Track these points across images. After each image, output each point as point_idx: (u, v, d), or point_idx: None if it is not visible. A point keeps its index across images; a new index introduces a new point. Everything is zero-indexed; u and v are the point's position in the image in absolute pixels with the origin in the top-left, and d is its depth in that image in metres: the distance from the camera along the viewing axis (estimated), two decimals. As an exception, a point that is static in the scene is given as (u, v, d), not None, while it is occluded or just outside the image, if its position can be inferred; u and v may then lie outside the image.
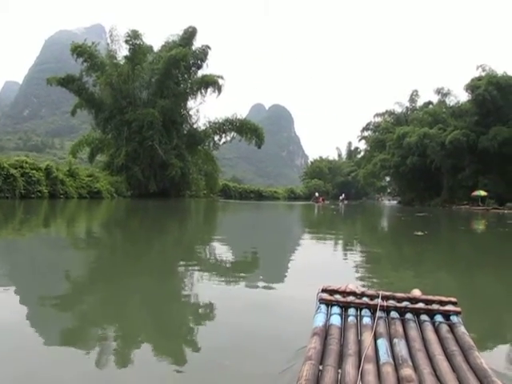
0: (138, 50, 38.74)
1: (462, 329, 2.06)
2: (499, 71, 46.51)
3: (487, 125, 44.67)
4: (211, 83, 42.13)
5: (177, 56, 37.42)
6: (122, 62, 39.39)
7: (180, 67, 38.99)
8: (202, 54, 43.11)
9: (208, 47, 43.39)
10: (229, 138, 46.24)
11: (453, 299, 2.28)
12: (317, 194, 57.65)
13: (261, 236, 10.58)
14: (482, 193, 43.24)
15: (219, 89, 42.24)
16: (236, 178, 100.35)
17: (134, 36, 38.31)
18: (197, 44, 43.20)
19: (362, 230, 14.71)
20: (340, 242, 10.00)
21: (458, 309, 2.22)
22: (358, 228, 15.86)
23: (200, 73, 43.40)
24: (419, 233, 11.21)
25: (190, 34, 42.61)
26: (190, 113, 44.88)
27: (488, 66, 47.86)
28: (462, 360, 1.78)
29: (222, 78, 42.57)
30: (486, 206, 41.98)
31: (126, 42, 38.41)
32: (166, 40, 42.96)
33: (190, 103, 44.43)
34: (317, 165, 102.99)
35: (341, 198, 61.04)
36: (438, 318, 2.16)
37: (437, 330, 2.06)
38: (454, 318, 2.15)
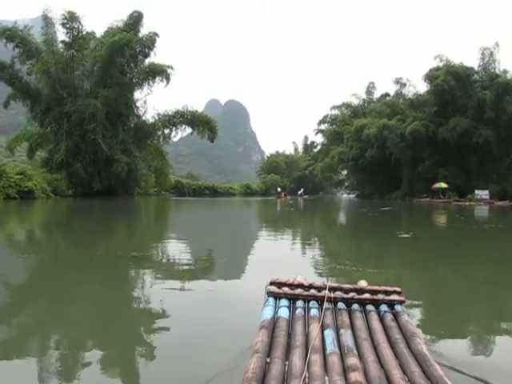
0: (78, 34, 37.37)
1: (405, 317, 2.24)
2: (456, 62, 48.82)
3: (446, 115, 46.71)
4: (159, 72, 41.45)
5: (120, 42, 36.31)
6: (61, 50, 37.96)
7: (125, 54, 37.97)
8: (150, 41, 42.25)
9: (156, 34, 42.60)
10: (180, 132, 45.82)
11: (397, 289, 2.47)
12: (279, 189, 58.73)
13: (215, 236, 10.63)
14: (443, 185, 45.07)
15: (167, 78, 41.70)
16: (192, 174, 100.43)
17: (70, 18, 36.60)
18: (144, 31, 42.36)
19: (338, 232, 12.98)
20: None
21: (402, 298, 2.41)
22: (333, 229, 14.02)
23: (147, 62, 42.73)
24: (404, 235, 9.62)
25: (135, 20, 41.55)
26: (137, 104, 43.91)
27: (445, 57, 50.15)
28: (405, 347, 1.95)
29: (171, 67, 42.04)
30: (446, 198, 43.95)
31: (63, 25, 36.84)
32: (109, 26, 41.67)
33: (137, 94, 43.48)
34: (273, 159, 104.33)
35: (299, 192, 62.62)
36: (383, 307, 2.34)
37: (382, 319, 2.23)
38: (398, 307, 2.34)
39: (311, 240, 10.00)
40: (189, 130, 45.61)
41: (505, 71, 48.47)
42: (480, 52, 49.25)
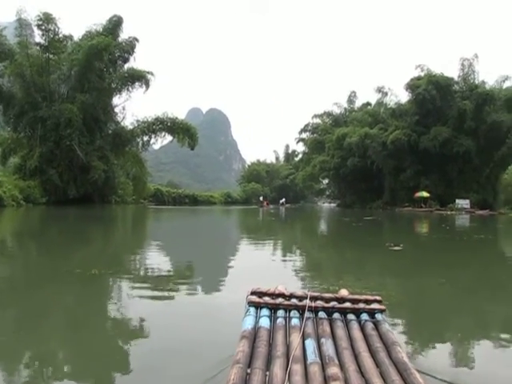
0: (54, 37, 36.99)
1: (385, 326, 2.28)
2: (437, 72, 49.89)
3: (428, 125, 47.62)
4: (138, 78, 41.36)
5: (99, 46, 36.02)
6: (36, 52, 37.45)
7: (103, 58, 37.69)
8: (129, 46, 42.13)
9: (136, 39, 42.52)
10: (160, 139, 45.65)
11: (378, 298, 2.52)
12: (261, 198, 59.17)
13: (194, 247, 10.57)
14: (425, 194, 45.81)
15: (147, 84, 41.70)
16: (172, 182, 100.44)
17: (46, 20, 36.11)
18: (123, 36, 42.26)
19: (325, 243, 12.49)
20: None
21: (383, 307, 2.46)
22: (319, 240, 13.50)
23: (127, 67, 42.59)
24: (395, 247, 9.15)
25: (114, 24, 41.37)
26: (116, 110, 43.72)
27: (426, 66, 51.18)
28: (385, 355, 1.99)
29: (151, 73, 42.03)
30: (428, 207, 44.65)
31: (38, 26, 36.40)
32: (87, 29, 41.31)
33: (116, 100, 43.30)
34: (254, 168, 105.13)
35: (281, 201, 63.63)
36: (364, 316, 2.38)
37: (362, 328, 2.27)
38: (378, 316, 2.38)
39: (297, 251, 9.91)
40: (169, 137, 45.59)
41: (483, 82, 49.80)
42: (460, 63, 50.52)
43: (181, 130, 43.91)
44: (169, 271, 6.45)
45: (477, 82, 49.76)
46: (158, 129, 44.23)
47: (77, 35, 41.56)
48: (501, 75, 49.71)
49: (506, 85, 49.06)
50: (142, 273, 6.33)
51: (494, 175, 49.65)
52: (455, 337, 3.50)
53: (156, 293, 4.67)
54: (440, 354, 2.93)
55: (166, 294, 4.61)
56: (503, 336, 3.43)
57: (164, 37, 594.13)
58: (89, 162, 36.40)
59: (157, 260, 7.43)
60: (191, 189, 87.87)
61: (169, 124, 43.88)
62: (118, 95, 42.76)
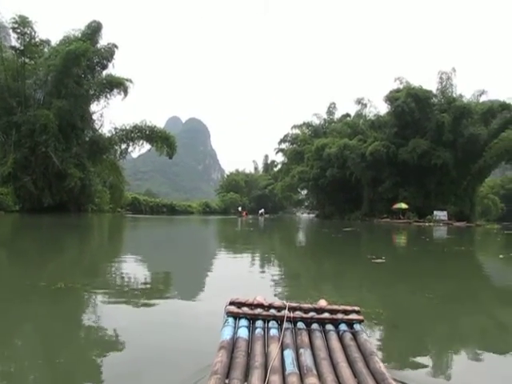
0: (30, 41, 36.52)
1: (363, 336, 2.31)
2: (415, 84, 51.03)
3: (406, 137, 48.52)
4: (117, 85, 41.10)
5: (77, 51, 35.64)
6: (12, 56, 36.89)
7: (81, 64, 37.31)
8: (108, 52, 41.87)
9: (115, 46, 42.31)
10: (138, 147, 45.27)
11: (356, 308, 2.55)
12: (240, 209, 59.28)
13: (171, 257, 10.47)
14: (404, 205, 46.51)
15: (125, 91, 41.46)
16: (150, 191, 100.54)
17: (22, 23, 35.53)
18: (103, 42, 42.05)
19: (307, 255, 12.14)
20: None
21: (361, 317, 2.48)
22: (299, 252, 13.29)
23: (105, 73, 42.29)
24: (377, 260, 9.01)
25: (93, 30, 41.13)
26: (94, 117, 43.30)
27: (405, 79, 52.34)
28: (363, 365, 2.01)
29: (130, 81, 41.87)
30: (406, 219, 45.31)
31: (13, 29, 35.83)
32: (65, 34, 40.86)
33: (94, 106, 42.94)
34: (233, 178, 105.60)
35: (260, 212, 64.32)
36: (342, 326, 2.40)
37: (341, 339, 2.29)
38: (356, 326, 2.41)
39: (277, 262, 9.83)
40: (148, 146, 45.25)
41: (461, 96, 51.09)
42: (438, 76, 51.78)
43: (159, 139, 43.73)
44: (144, 283, 6.25)
45: (454, 95, 51.07)
46: (136, 137, 43.89)
47: (54, 40, 41.24)
48: (477, 89, 51.26)
49: (483, 99, 50.62)
50: (115, 285, 5.98)
51: (471, 187, 50.82)
52: (434, 347, 3.56)
53: (129, 307, 4.52)
54: (418, 364, 2.97)
55: (140, 306, 4.49)
56: (479, 347, 3.50)
57: (144, 46, 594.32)
58: (65, 170, 35.82)
59: (131, 271, 7.12)
60: (169, 198, 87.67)
61: (147, 132, 43.62)
62: (96, 102, 42.45)
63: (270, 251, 12.91)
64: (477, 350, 3.44)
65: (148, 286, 6.02)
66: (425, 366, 2.95)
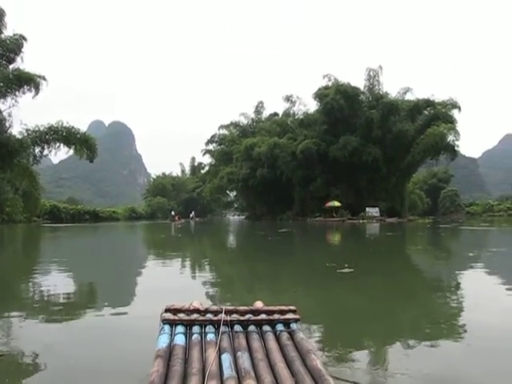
0: None
1: (300, 335, 2.41)
2: (343, 81, 53.01)
3: (337, 134, 50.23)
4: (26, 81, 39.03)
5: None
6: None
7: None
8: (15, 44, 39.73)
9: (23, 37, 40.23)
10: (54, 151, 43.13)
11: (292, 307, 2.65)
12: (173, 213, 58.92)
13: (93, 269, 10.08)
14: (336, 203, 48.03)
15: (37, 88, 39.52)
16: (73, 198, 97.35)
17: None
18: (7, 32, 39.91)
19: (249, 262, 10.60)
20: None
21: (297, 316, 2.59)
22: (237, 258, 12.21)
23: (12, 67, 40.12)
24: (344, 270, 7.56)
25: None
26: (0, 116, 40.80)
27: (333, 76, 54.17)
28: (300, 364, 2.10)
29: (43, 78, 39.91)
30: (339, 216, 46.85)
31: None
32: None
33: (0, 105, 40.51)
34: (159, 181, 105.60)
35: (191, 215, 65.12)
36: (279, 326, 2.50)
37: (278, 339, 2.38)
38: (293, 326, 2.51)
39: (216, 272, 9.40)
40: (65, 149, 43.25)
41: (387, 93, 53.78)
42: (366, 73, 54.18)
43: (78, 141, 42.04)
44: (67, 297, 5.85)
45: (381, 92, 53.60)
46: (51, 139, 41.84)
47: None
48: (402, 87, 54.16)
49: (408, 96, 53.52)
50: (30, 303, 5.54)
51: (401, 183, 53.65)
52: (370, 342, 3.76)
53: (50, 324, 4.26)
54: (355, 359, 3.13)
55: (63, 322, 4.27)
56: (412, 338, 3.75)
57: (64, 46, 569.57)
58: (-32, 177, 33.53)
59: (48, 286, 6.54)
60: (94, 204, 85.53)
61: (64, 134, 41.72)
62: (2, 100, 40.04)
63: (202, 257, 12.79)
64: (409, 342, 3.67)
65: (71, 300, 5.74)
66: (361, 362, 3.11)
